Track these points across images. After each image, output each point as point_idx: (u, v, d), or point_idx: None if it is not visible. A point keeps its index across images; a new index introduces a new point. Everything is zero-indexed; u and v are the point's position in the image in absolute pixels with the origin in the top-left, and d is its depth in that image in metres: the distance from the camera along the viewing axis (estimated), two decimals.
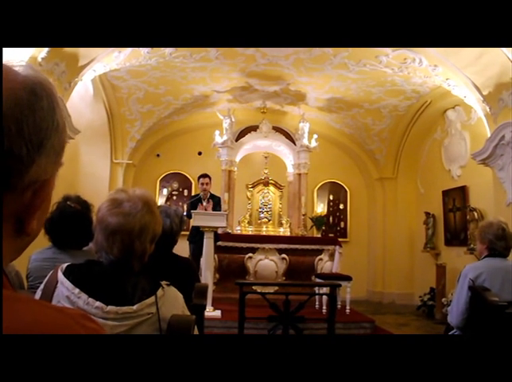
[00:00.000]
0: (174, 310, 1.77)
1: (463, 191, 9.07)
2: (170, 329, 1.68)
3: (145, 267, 1.83)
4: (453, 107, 9.46)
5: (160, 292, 1.72)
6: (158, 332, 1.67)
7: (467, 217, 8.73)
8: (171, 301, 1.78)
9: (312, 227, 10.20)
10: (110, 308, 1.59)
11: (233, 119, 10.03)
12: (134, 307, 1.62)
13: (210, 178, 8.02)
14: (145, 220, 1.75)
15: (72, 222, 2.80)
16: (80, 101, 8.77)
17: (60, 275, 1.66)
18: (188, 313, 1.87)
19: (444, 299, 8.46)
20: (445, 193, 9.77)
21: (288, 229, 9.72)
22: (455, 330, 3.53)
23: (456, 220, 9.36)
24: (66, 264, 1.72)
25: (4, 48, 3.76)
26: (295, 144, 10.26)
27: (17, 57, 5.53)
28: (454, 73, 6.95)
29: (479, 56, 6.11)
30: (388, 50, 7.17)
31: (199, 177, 8.07)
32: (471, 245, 8.25)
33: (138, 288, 1.68)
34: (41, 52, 5.79)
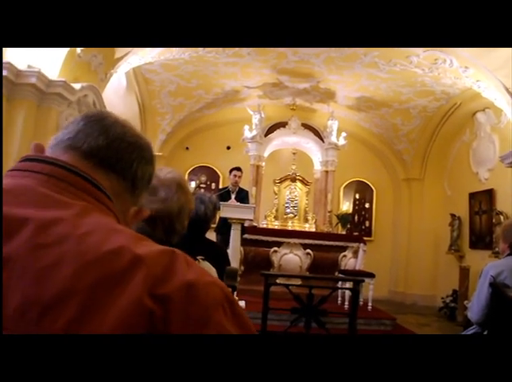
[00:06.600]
0: None
1: (489, 194, 9.03)
2: None
3: (181, 246, 1.94)
4: (483, 110, 9.37)
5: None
6: None
7: (493, 220, 8.70)
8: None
9: (337, 224, 10.25)
10: None
11: (262, 115, 10.13)
12: None
13: (242, 172, 8.17)
14: (181, 202, 1.85)
15: None
16: (113, 93, 8.95)
17: None
18: None
19: (466, 302, 8.43)
20: (472, 196, 9.74)
21: (314, 225, 9.79)
22: (474, 326, 3.60)
23: (482, 223, 9.33)
24: None
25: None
26: (323, 141, 10.33)
27: (59, 49, 5.73)
28: (485, 75, 6.96)
29: (511, 58, 6.12)
30: (419, 50, 7.21)
31: (232, 170, 8.16)
32: (496, 248, 8.22)
33: None
34: None
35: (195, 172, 11.87)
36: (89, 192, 0.84)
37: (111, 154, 0.91)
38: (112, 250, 0.70)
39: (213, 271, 1.97)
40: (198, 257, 1.89)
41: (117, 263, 0.69)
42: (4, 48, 5.19)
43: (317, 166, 10.76)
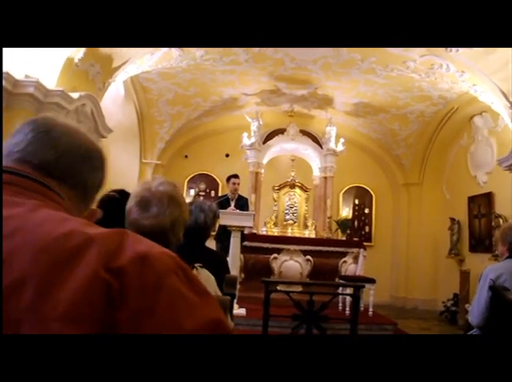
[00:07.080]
0: (208, 289, 1.89)
1: (488, 197, 9.03)
2: None
3: (180, 254, 1.94)
4: (480, 114, 9.40)
5: (194, 272, 1.84)
6: None
7: (492, 224, 8.70)
8: (205, 280, 1.89)
9: (336, 230, 10.25)
10: None
11: (261, 122, 10.16)
12: None
13: (239, 179, 8.18)
14: (174, 216, 1.85)
15: (107, 208, 2.91)
16: (111, 102, 8.97)
17: None
18: (220, 293, 1.98)
19: (467, 305, 8.40)
20: (471, 199, 9.74)
21: (314, 231, 9.78)
22: (475, 330, 3.60)
23: (481, 226, 9.33)
24: None
25: (45, 49, 3.91)
26: (322, 148, 10.36)
27: (56, 58, 5.75)
28: (481, 79, 6.97)
29: (507, 62, 6.13)
30: (415, 55, 7.23)
31: (230, 177, 8.15)
32: (496, 251, 8.22)
33: None
34: (79, 52, 5.99)
35: (195, 180, 11.88)
36: (39, 192, 0.87)
37: (61, 168, 0.94)
38: (63, 233, 0.75)
39: (212, 279, 1.97)
40: (196, 264, 1.89)
41: (69, 243, 0.73)
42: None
43: (316, 172, 10.78)
